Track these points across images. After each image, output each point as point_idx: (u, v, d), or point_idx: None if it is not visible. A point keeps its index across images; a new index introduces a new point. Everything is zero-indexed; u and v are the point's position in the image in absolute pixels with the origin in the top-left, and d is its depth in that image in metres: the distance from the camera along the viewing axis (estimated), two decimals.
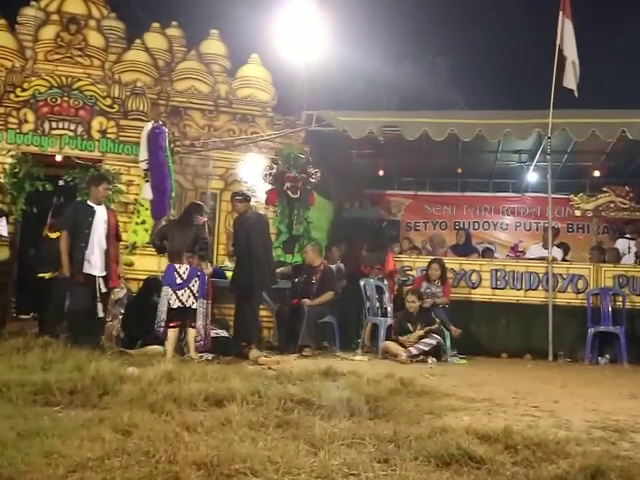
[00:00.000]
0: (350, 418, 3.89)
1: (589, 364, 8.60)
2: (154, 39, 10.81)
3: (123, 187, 9.32)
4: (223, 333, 7.88)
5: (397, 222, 13.61)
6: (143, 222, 9.17)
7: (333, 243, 10.39)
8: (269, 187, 9.76)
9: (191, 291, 6.91)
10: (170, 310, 6.89)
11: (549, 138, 9.46)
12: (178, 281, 6.92)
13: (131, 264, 8.91)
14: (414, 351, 8.05)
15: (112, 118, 9.45)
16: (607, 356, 8.80)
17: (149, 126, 8.69)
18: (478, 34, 20.99)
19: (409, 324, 8.38)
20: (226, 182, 10.37)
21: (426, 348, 8.10)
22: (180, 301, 6.88)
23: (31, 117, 9.25)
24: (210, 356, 7.03)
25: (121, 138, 9.41)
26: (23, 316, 9.79)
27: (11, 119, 9.20)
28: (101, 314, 7.02)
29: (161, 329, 6.89)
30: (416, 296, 8.55)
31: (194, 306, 6.90)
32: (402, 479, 2.88)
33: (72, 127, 9.34)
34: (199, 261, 7.06)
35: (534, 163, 12.14)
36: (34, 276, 9.17)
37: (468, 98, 17.17)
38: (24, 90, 9.30)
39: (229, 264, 8.92)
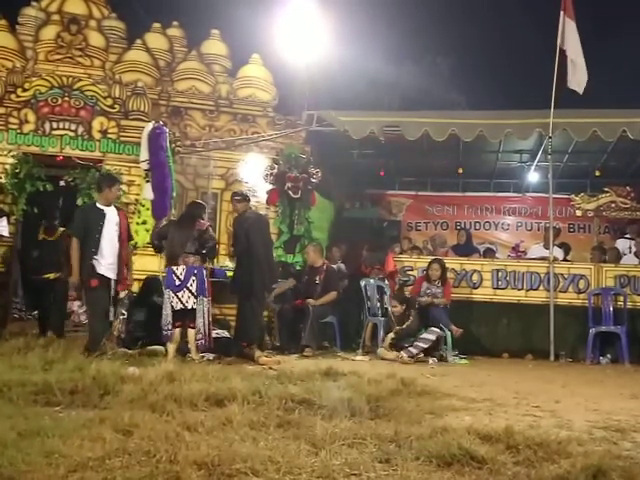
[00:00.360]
0: (351, 418, 3.89)
1: (590, 364, 8.58)
2: (155, 39, 10.81)
3: (124, 187, 9.30)
4: (224, 333, 7.87)
5: (398, 222, 13.62)
6: (144, 222, 9.18)
7: (334, 243, 10.40)
8: (270, 187, 9.77)
9: (190, 291, 6.91)
10: (174, 312, 6.91)
11: (550, 138, 9.44)
12: (177, 283, 6.93)
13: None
14: (414, 350, 8.04)
15: (113, 118, 9.45)
16: (608, 356, 8.78)
17: (150, 126, 8.69)
18: (479, 34, 20.96)
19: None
20: (227, 182, 10.37)
21: (425, 345, 8.10)
22: (181, 302, 6.89)
23: (32, 117, 9.26)
24: (211, 356, 7.03)
25: (122, 138, 9.41)
26: (29, 316, 9.80)
27: (12, 119, 9.20)
28: (111, 317, 6.93)
29: (169, 332, 6.91)
30: (397, 301, 8.61)
31: (194, 306, 6.90)
32: (403, 479, 2.87)
33: (73, 127, 9.34)
34: (200, 261, 7.06)
35: (535, 163, 12.14)
36: (34, 276, 9.22)
37: (469, 98, 17.17)
38: (25, 90, 9.30)
39: (230, 264, 8.92)
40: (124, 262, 7.09)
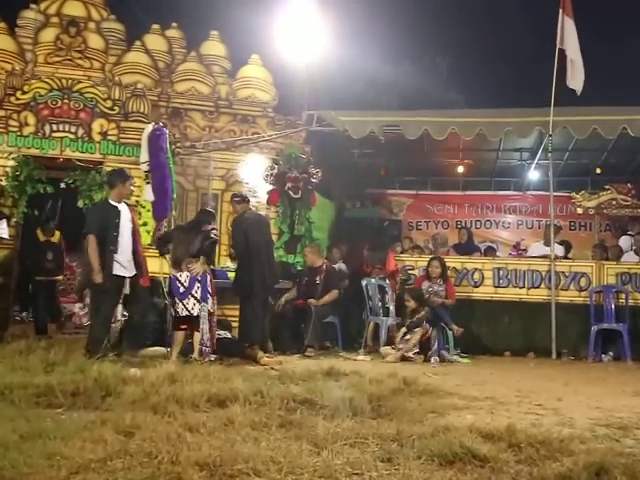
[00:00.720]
0: (353, 418, 3.89)
1: (592, 362, 8.57)
2: (154, 41, 10.82)
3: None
4: (225, 334, 7.87)
5: (399, 222, 13.63)
6: (145, 224, 9.15)
7: (334, 244, 10.40)
8: (270, 187, 9.77)
9: (195, 298, 6.91)
10: (178, 317, 6.93)
11: (550, 136, 9.44)
12: (181, 290, 6.93)
13: None
14: (398, 353, 8.07)
15: (113, 120, 9.45)
16: (610, 353, 8.78)
17: (150, 128, 8.68)
18: (478, 33, 20.98)
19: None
20: (227, 183, 10.37)
21: (410, 345, 8.08)
22: (186, 309, 6.89)
23: (32, 120, 9.25)
24: (213, 357, 7.02)
25: (122, 140, 9.40)
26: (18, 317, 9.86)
27: (12, 122, 9.19)
28: (119, 317, 6.87)
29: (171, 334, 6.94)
30: (411, 296, 8.57)
31: (199, 312, 6.90)
32: (405, 478, 2.87)
33: (73, 129, 9.33)
34: (202, 264, 7.05)
35: (535, 161, 12.14)
36: (40, 278, 9.27)
37: (468, 97, 17.15)
38: (24, 93, 9.29)
39: (231, 265, 8.92)
40: (142, 257, 6.96)
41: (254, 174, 9.96)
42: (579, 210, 10.74)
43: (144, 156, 8.59)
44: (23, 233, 9.20)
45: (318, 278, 8.83)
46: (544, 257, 9.54)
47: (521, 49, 20.57)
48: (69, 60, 10.18)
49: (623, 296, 8.99)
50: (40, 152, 9.18)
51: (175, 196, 8.82)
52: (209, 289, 7.00)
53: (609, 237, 12.16)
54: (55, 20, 10.37)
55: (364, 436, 3.45)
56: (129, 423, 3.50)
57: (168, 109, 10.38)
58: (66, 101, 9.33)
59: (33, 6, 10.52)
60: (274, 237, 8.75)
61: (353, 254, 10.29)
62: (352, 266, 9.91)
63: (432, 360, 7.93)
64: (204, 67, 10.75)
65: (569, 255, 10.38)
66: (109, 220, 6.69)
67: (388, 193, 13.66)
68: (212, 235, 7.19)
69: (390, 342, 8.50)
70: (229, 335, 7.88)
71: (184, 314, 6.89)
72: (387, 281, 9.25)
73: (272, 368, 6.54)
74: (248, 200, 8.10)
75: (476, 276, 9.48)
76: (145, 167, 8.53)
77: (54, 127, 9.28)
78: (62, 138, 9.26)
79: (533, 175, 13.04)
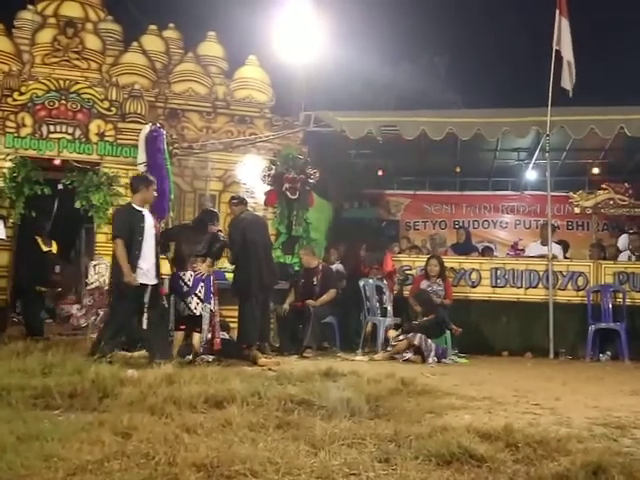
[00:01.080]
0: (350, 418, 3.88)
1: (590, 361, 8.59)
2: (151, 41, 10.81)
3: (122, 190, 9.30)
4: (223, 335, 7.86)
5: (396, 222, 13.63)
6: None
7: (331, 244, 10.40)
8: (268, 188, 9.76)
9: (198, 298, 6.90)
10: (180, 317, 6.93)
11: (547, 136, 9.46)
12: (184, 289, 6.92)
13: None
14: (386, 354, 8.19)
15: (110, 121, 9.44)
16: (608, 353, 8.79)
17: (147, 128, 8.69)
18: (475, 33, 20.99)
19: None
20: (225, 184, 10.37)
21: (397, 349, 8.12)
22: (189, 308, 6.88)
23: (29, 121, 9.24)
24: (210, 358, 7.02)
25: (119, 141, 9.39)
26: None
27: (9, 123, 9.18)
28: (144, 325, 6.67)
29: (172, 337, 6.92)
30: (417, 302, 8.64)
31: (202, 312, 6.89)
32: (403, 478, 2.87)
33: (70, 130, 9.32)
34: (209, 266, 7.04)
35: (533, 161, 12.16)
36: (46, 287, 9.28)
37: (466, 98, 17.17)
38: (22, 94, 9.28)
39: (228, 266, 8.91)
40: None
41: (251, 175, 9.96)
42: (576, 210, 10.74)
43: (141, 157, 8.60)
44: (21, 235, 9.17)
45: (315, 279, 8.84)
46: (542, 257, 9.55)
47: (518, 49, 20.58)
48: (66, 61, 10.17)
49: (620, 295, 9.01)
50: (37, 153, 9.17)
51: (172, 197, 8.85)
52: (212, 289, 7.00)
53: (606, 237, 12.18)
54: (52, 21, 10.36)
55: (362, 436, 3.44)
56: (126, 424, 3.49)
57: (165, 110, 10.37)
58: (63, 102, 9.33)
59: (30, 7, 10.52)
60: (272, 238, 8.74)
61: (351, 254, 10.29)
62: (350, 266, 9.91)
63: (430, 360, 7.93)
64: (201, 68, 10.75)
65: (567, 255, 10.39)
66: (134, 224, 6.56)
67: (386, 193, 13.67)
68: (221, 237, 7.20)
69: (388, 342, 8.50)
70: (227, 336, 7.88)
71: (186, 314, 6.88)
72: (384, 281, 9.26)
73: (270, 369, 6.54)
74: (246, 202, 8.11)
75: (474, 276, 9.49)
76: (142, 168, 8.54)
77: (51, 128, 9.27)
78: (59, 139, 9.25)
79: (531, 175, 13.06)
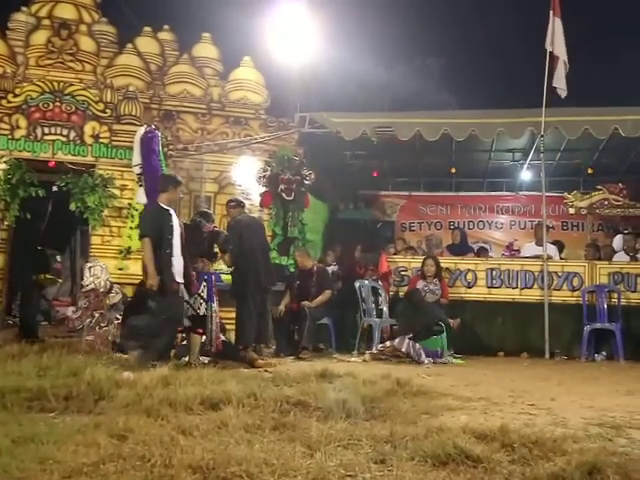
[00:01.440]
0: (346, 419, 3.88)
1: (585, 361, 8.60)
2: (146, 43, 10.79)
3: (117, 192, 9.31)
4: (221, 337, 7.85)
5: (392, 223, 13.64)
6: (137, 226, 9.15)
7: (327, 246, 10.40)
8: (263, 189, 9.76)
9: (201, 297, 6.89)
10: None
11: (542, 136, 9.48)
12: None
13: (125, 268, 8.92)
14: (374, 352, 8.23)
15: (105, 123, 9.43)
16: (603, 353, 8.82)
17: (142, 130, 8.67)
18: (469, 34, 21.06)
19: None
20: (220, 185, 10.36)
21: (385, 351, 8.14)
22: (192, 308, 6.86)
23: (23, 123, 9.23)
24: (206, 360, 7.01)
25: (114, 143, 9.39)
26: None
27: (3, 125, 9.17)
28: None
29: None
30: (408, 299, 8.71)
31: (205, 312, 6.89)
32: (399, 479, 2.87)
33: (65, 132, 9.32)
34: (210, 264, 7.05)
35: (527, 162, 12.18)
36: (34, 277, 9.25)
37: (460, 99, 17.22)
38: (16, 96, 9.27)
39: (224, 267, 8.90)
40: (188, 264, 6.75)
41: (247, 176, 9.95)
42: (571, 210, 10.77)
43: (136, 159, 8.58)
44: (18, 235, 9.15)
45: (310, 280, 8.84)
46: (537, 257, 9.57)
47: (513, 50, 20.65)
48: (61, 63, 10.14)
49: (615, 296, 9.03)
50: (32, 155, 9.17)
51: None
52: (214, 289, 6.99)
53: (601, 237, 12.19)
54: (46, 23, 10.32)
55: (357, 438, 3.44)
56: (122, 426, 3.48)
57: (160, 111, 10.36)
58: (58, 104, 9.32)
59: (24, 9, 10.49)
60: (267, 239, 8.74)
61: (346, 256, 10.30)
62: (345, 268, 9.92)
63: (426, 361, 7.94)
64: (196, 69, 10.74)
65: (562, 255, 10.41)
66: (163, 223, 6.49)
67: (381, 194, 13.67)
68: (222, 232, 7.20)
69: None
70: (223, 338, 7.86)
71: (190, 313, 6.86)
72: (380, 283, 9.26)
73: (266, 370, 6.54)
74: (243, 205, 8.11)
75: (469, 277, 9.51)
76: (137, 170, 8.53)
77: (46, 130, 9.27)
78: (54, 141, 9.25)
79: (525, 175, 13.08)
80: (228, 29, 14.07)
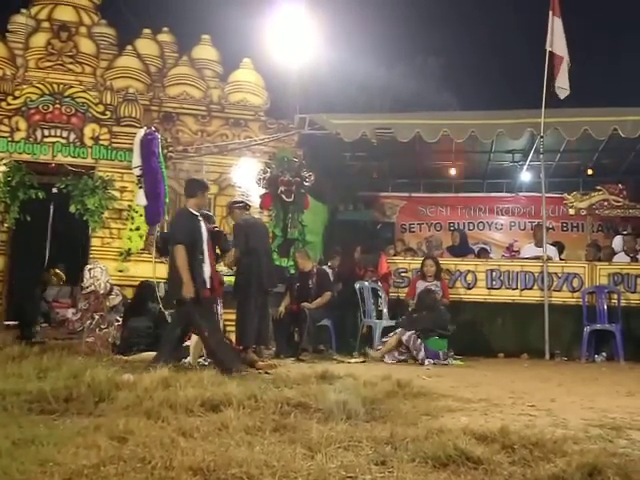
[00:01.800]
0: (347, 421, 3.88)
1: (585, 362, 8.60)
2: (145, 45, 10.81)
3: (117, 193, 9.31)
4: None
5: (392, 224, 13.63)
6: (137, 228, 9.16)
7: (334, 249, 10.38)
8: (263, 191, 9.75)
9: None
10: None
11: (542, 137, 9.48)
12: None
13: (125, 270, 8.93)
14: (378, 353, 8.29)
15: (104, 125, 9.44)
16: (603, 354, 8.81)
17: (142, 132, 8.66)
18: (470, 35, 21.08)
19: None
20: (220, 187, 10.36)
21: (386, 348, 8.18)
22: None
23: (23, 125, 9.24)
24: (206, 361, 7.00)
25: (114, 145, 9.40)
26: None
27: (3, 127, 9.18)
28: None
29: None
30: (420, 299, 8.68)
31: None
32: None
33: (64, 134, 9.33)
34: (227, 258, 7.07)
35: (527, 163, 12.17)
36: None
37: (461, 99, 17.22)
38: (16, 98, 9.29)
39: (224, 269, 8.90)
40: (214, 268, 6.70)
41: (246, 178, 9.96)
42: (571, 211, 10.78)
43: (136, 161, 8.58)
44: (18, 238, 9.16)
45: (310, 282, 8.83)
46: (537, 258, 9.56)
47: (513, 50, 20.67)
48: (60, 65, 10.16)
49: (615, 296, 9.02)
50: (32, 157, 9.18)
51: (167, 200, 8.81)
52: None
53: (601, 238, 12.18)
54: (46, 25, 10.35)
55: (358, 439, 3.44)
56: (122, 428, 3.48)
57: (160, 113, 10.37)
58: (57, 106, 9.33)
59: (24, 11, 10.51)
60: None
61: (347, 257, 10.29)
62: (345, 269, 9.91)
63: (426, 362, 7.94)
64: (196, 71, 10.75)
65: (562, 256, 10.41)
66: (194, 229, 6.38)
67: (381, 196, 13.66)
68: (225, 232, 7.20)
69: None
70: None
71: None
72: (379, 284, 9.26)
73: (266, 372, 6.53)
74: (249, 207, 8.12)
75: (469, 278, 9.51)
76: (137, 172, 8.53)
77: (46, 132, 9.28)
78: (54, 143, 9.26)
79: (525, 176, 13.08)
80: (228, 31, 14.09)
